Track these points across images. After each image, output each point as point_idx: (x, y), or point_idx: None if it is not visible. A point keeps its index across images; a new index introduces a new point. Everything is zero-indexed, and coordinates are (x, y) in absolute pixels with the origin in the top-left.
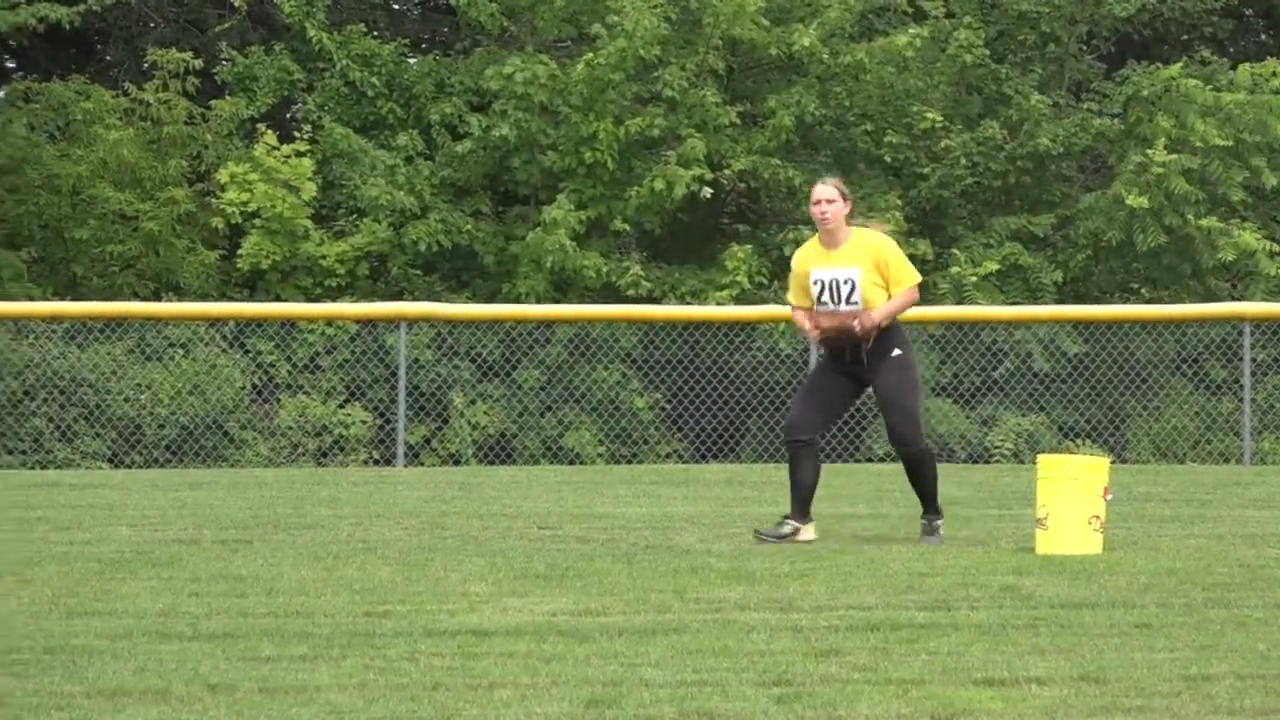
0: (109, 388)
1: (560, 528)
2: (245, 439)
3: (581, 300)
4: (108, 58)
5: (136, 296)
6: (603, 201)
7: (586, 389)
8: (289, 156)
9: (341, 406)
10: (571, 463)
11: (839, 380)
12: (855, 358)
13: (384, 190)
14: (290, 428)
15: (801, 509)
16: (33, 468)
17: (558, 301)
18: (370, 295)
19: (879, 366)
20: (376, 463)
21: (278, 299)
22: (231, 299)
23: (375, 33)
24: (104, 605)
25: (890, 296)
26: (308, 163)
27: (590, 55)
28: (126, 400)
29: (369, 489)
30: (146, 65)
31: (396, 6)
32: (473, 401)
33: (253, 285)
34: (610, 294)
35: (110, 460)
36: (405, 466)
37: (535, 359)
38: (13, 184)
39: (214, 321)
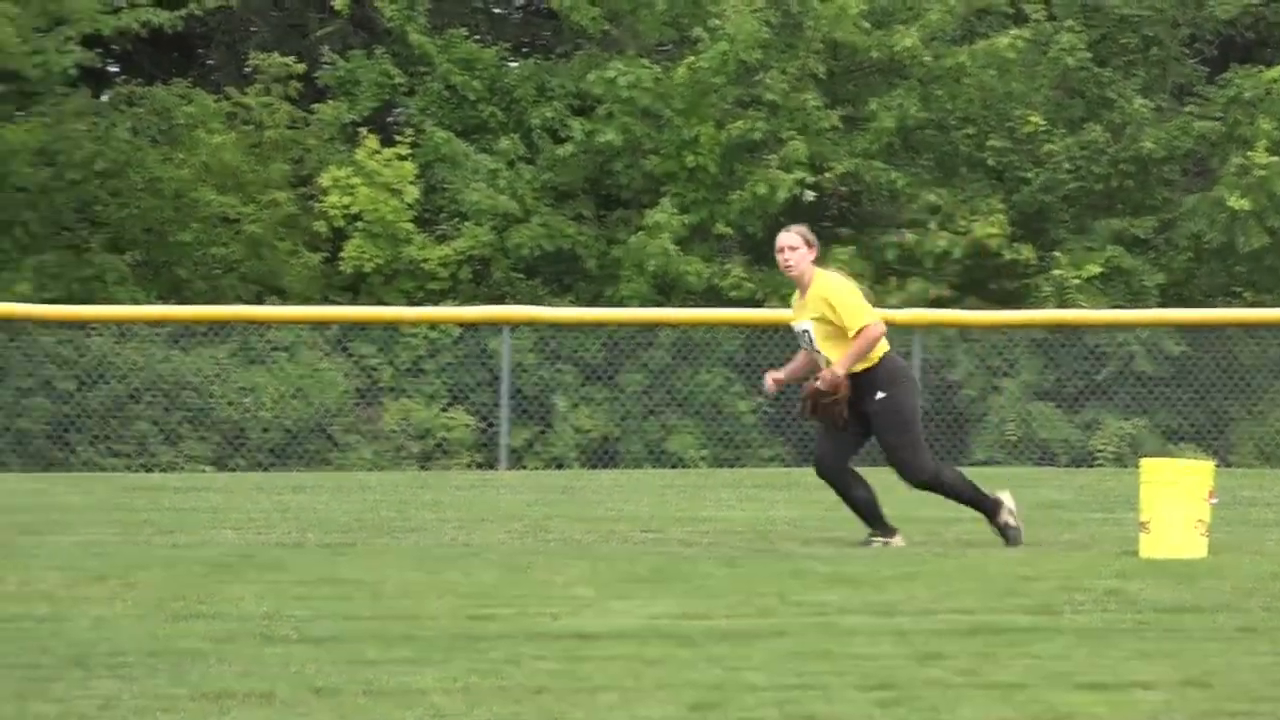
0: (213, 391)
1: (663, 531)
2: (349, 442)
3: (684, 303)
4: (210, 62)
5: (240, 300)
6: (705, 205)
7: (689, 392)
8: (390, 160)
9: (445, 410)
10: (674, 466)
11: (853, 419)
12: (855, 400)
13: (486, 194)
14: (394, 431)
15: (876, 524)
16: (137, 471)
17: (660, 305)
18: (473, 299)
19: (870, 409)
20: (480, 466)
21: (381, 302)
22: (334, 302)
23: (476, 36)
24: (209, 608)
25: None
26: (409, 166)
27: (692, 59)
28: (230, 403)
29: (472, 492)
30: (248, 69)
31: (498, 10)
32: (576, 405)
33: (356, 288)
34: (713, 297)
35: (214, 463)
36: (508, 470)
37: (638, 362)
38: (116, 188)
39: (317, 325)
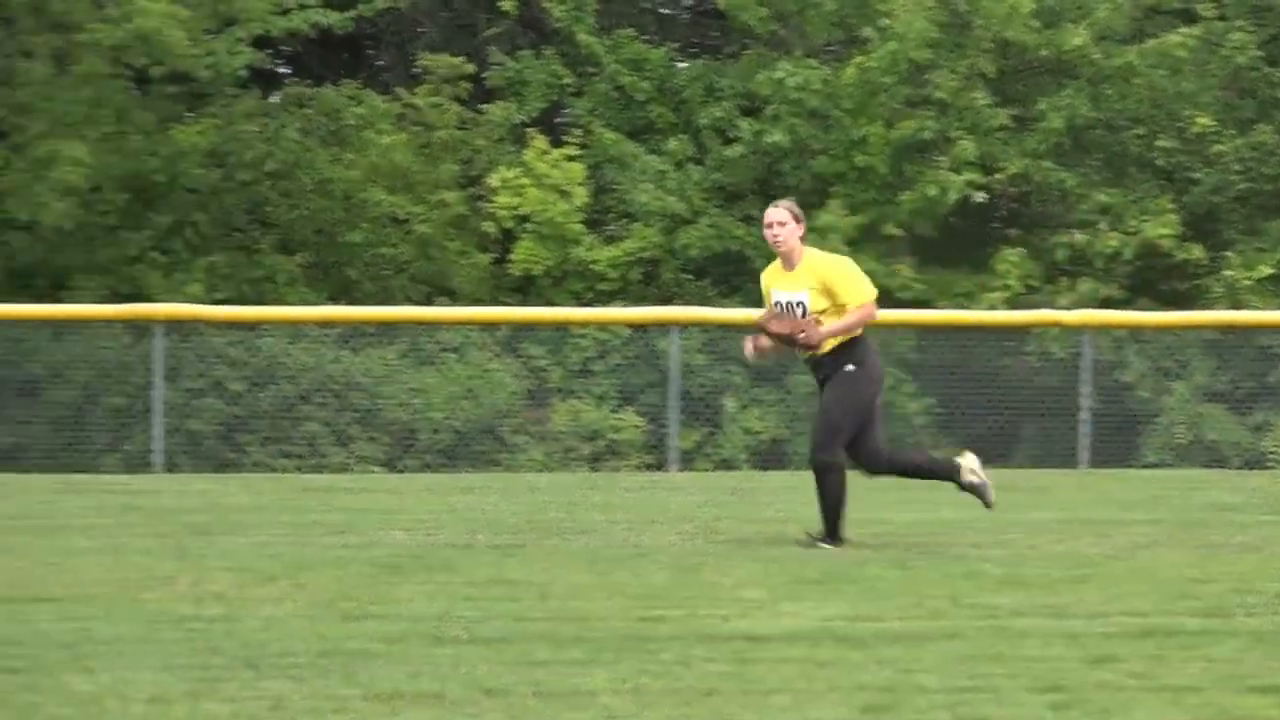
0: (382, 392)
1: None
2: (518, 443)
3: None
4: (379, 63)
5: (409, 300)
6: (874, 206)
7: None
8: (559, 161)
9: (614, 411)
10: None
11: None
12: (819, 372)
13: (654, 195)
14: (563, 432)
15: (831, 529)
16: (308, 472)
17: None
18: (642, 300)
19: (831, 378)
20: (649, 468)
21: (550, 303)
22: (504, 303)
23: (645, 37)
24: (379, 609)
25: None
26: (578, 167)
27: (861, 58)
28: (400, 405)
29: (642, 494)
30: (417, 70)
31: (666, 11)
32: (745, 406)
33: (525, 289)
34: (882, 298)
35: (384, 464)
36: (678, 471)
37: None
38: (286, 189)
39: (487, 326)
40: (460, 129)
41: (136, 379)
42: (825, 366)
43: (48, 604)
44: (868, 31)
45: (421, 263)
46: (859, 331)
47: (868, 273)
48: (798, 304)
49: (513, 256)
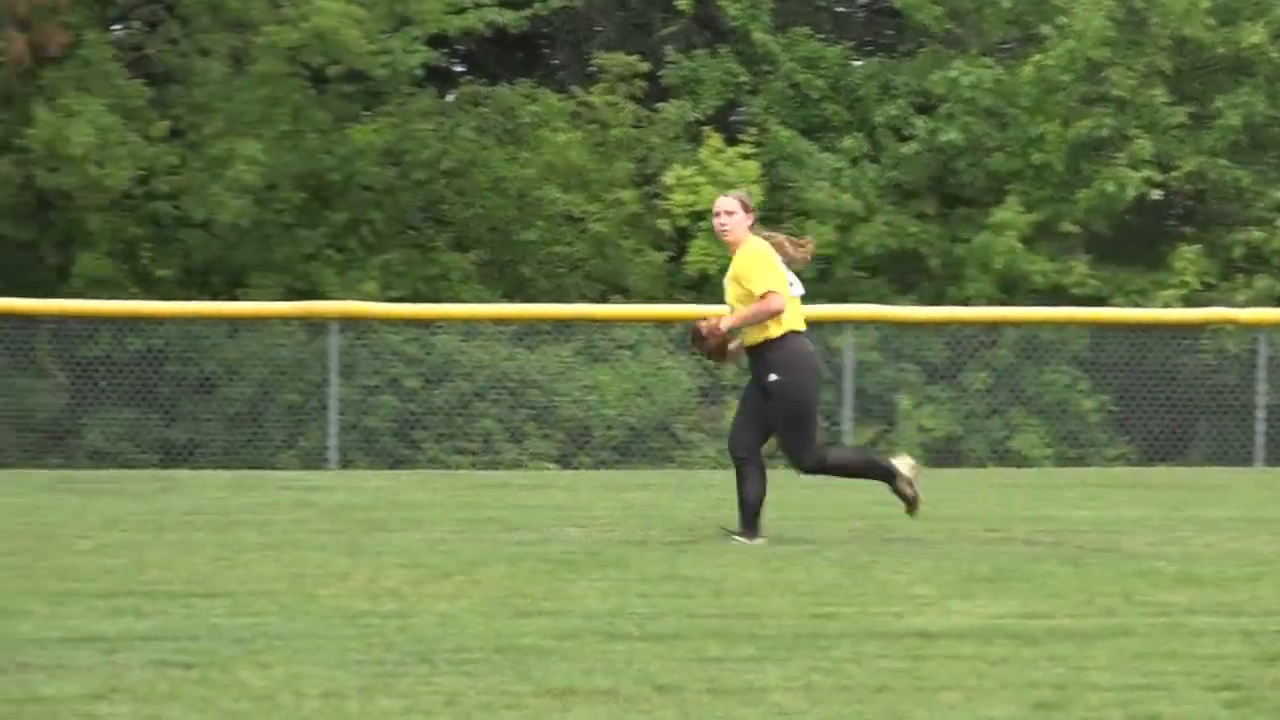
0: (557, 389)
1: (1006, 530)
2: (692, 440)
3: (1028, 302)
4: (555, 61)
5: (584, 298)
6: (1050, 204)
7: (1034, 391)
8: (734, 160)
9: None
10: (1018, 465)
11: (758, 394)
12: (751, 370)
13: (829, 193)
14: None
15: (749, 523)
16: (482, 468)
17: (1004, 304)
18: (816, 297)
19: (764, 389)
20: None
21: (724, 301)
22: (678, 301)
23: (820, 35)
24: (552, 605)
25: None
26: (753, 165)
27: (1039, 56)
28: (575, 402)
29: (814, 491)
30: (593, 68)
31: (841, 9)
32: (919, 404)
33: (699, 287)
34: (1058, 295)
35: (558, 461)
36: None
37: (981, 361)
38: (461, 187)
39: (661, 323)
40: (635, 127)
41: (312, 376)
42: (754, 367)
43: (223, 599)
44: (1045, 29)
45: (596, 261)
46: (772, 329)
47: (1042, 270)
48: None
49: (687, 255)
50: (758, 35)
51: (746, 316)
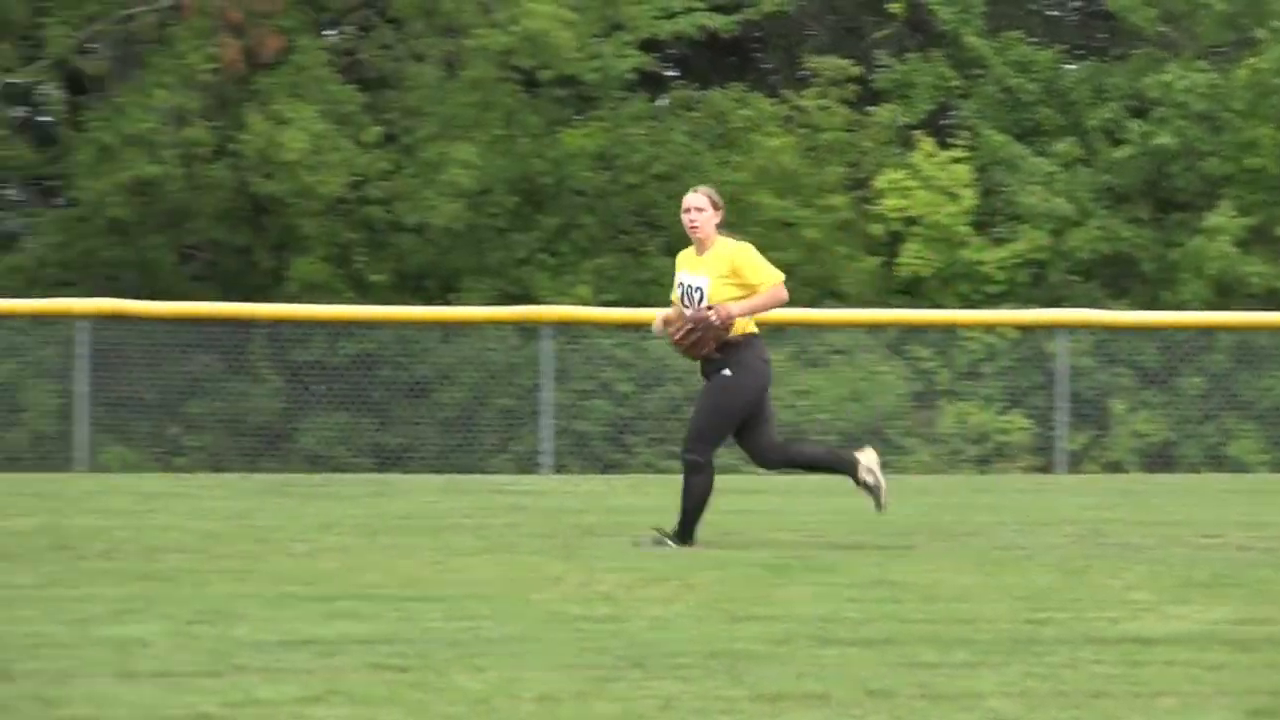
0: (774, 393)
1: (1223, 536)
2: (906, 445)
3: (1243, 306)
4: (766, 65)
5: (797, 303)
6: (1265, 208)
7: (1251, 396)
8: (946, 164)
9: (1002, 414)
10: (1234, 471)
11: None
12: (705, 368)
13: (1042, 197)
14: (951, 434)
15: (689, 526)
16: None
17: (1220, 308)
18: (1029, 302)
19: (710, 378)
20: (1037, 470)
21: (937, 306)
22: (891, 306)
23: (1032, 39)
24: (764, 610)
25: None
26: (965, 169)
27: (1253, 60)
28: (788, 406)
29: (1029, 496)
30: (804, 72)
31: (1054, 13)
32: (1134, 409)
33: (912, 291)
34: (1274, 300)
35: None
36: (1066, 473)
37: (1196, 366)
38: (673, 191)
39: (874, 328)
40: (847, 131)
41: (524, 380)
42: (713, 364)
43: (437, 603)
44: (1260, 32)
45: (810, 265)
46: (753, 327)
47: (1258, 275)
48: (696, 288)
49: (900, 259)
50: (969, 39)
51: (758, 304)
